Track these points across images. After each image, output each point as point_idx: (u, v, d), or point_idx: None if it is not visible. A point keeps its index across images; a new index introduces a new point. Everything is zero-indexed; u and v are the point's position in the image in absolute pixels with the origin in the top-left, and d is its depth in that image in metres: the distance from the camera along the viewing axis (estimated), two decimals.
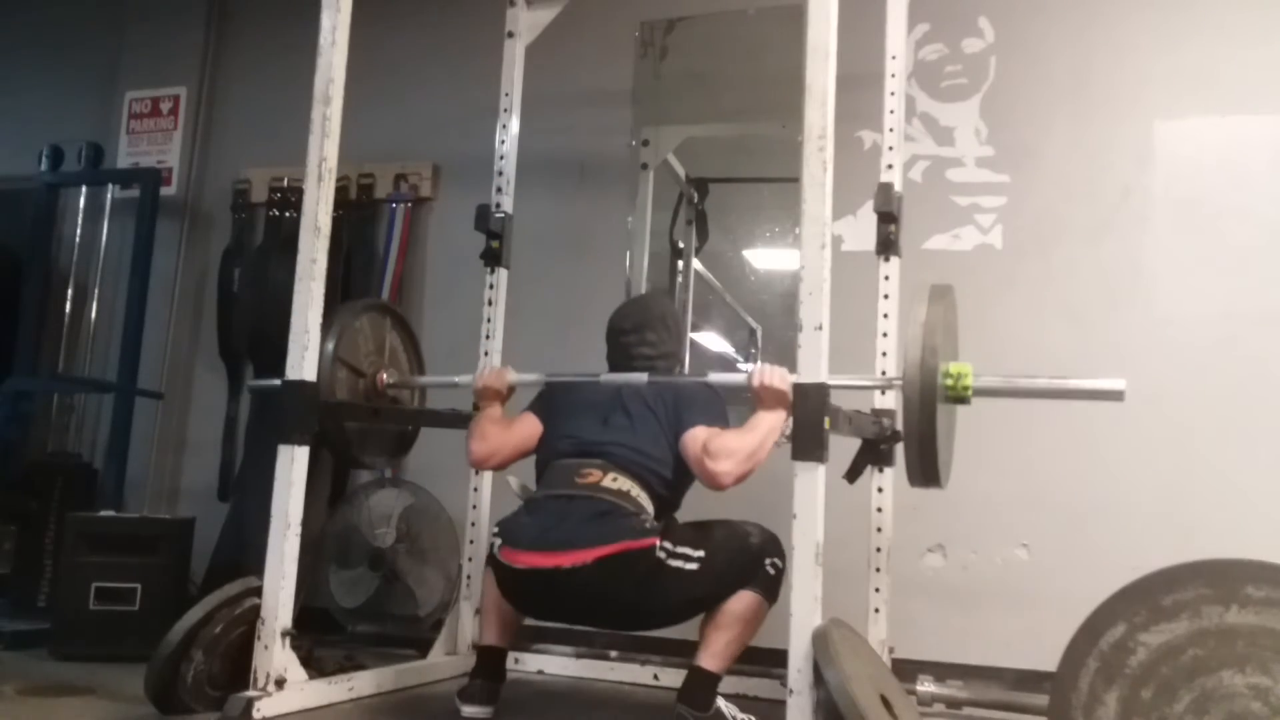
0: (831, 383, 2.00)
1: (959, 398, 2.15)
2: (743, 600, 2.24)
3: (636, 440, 2.38)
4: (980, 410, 3.03)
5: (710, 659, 2.25)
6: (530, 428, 2.55)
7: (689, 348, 3.47)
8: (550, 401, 2.59)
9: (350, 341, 2.71)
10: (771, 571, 2.27)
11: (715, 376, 2.49)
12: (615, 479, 2.33)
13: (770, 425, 2.24)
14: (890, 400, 2.69)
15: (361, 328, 2.80)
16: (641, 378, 2.46)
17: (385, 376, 2.83)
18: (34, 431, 4.13)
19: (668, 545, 2.23)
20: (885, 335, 2.71)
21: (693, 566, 2.23)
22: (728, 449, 2.23)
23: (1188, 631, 1.65)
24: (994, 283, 3.13)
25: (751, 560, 2.27)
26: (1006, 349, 3.05)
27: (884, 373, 2.71)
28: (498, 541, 2.33)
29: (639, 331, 2.59)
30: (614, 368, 2.59)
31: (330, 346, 2.57)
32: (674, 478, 2.40)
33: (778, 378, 2.23)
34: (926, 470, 2.14)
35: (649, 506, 2.33)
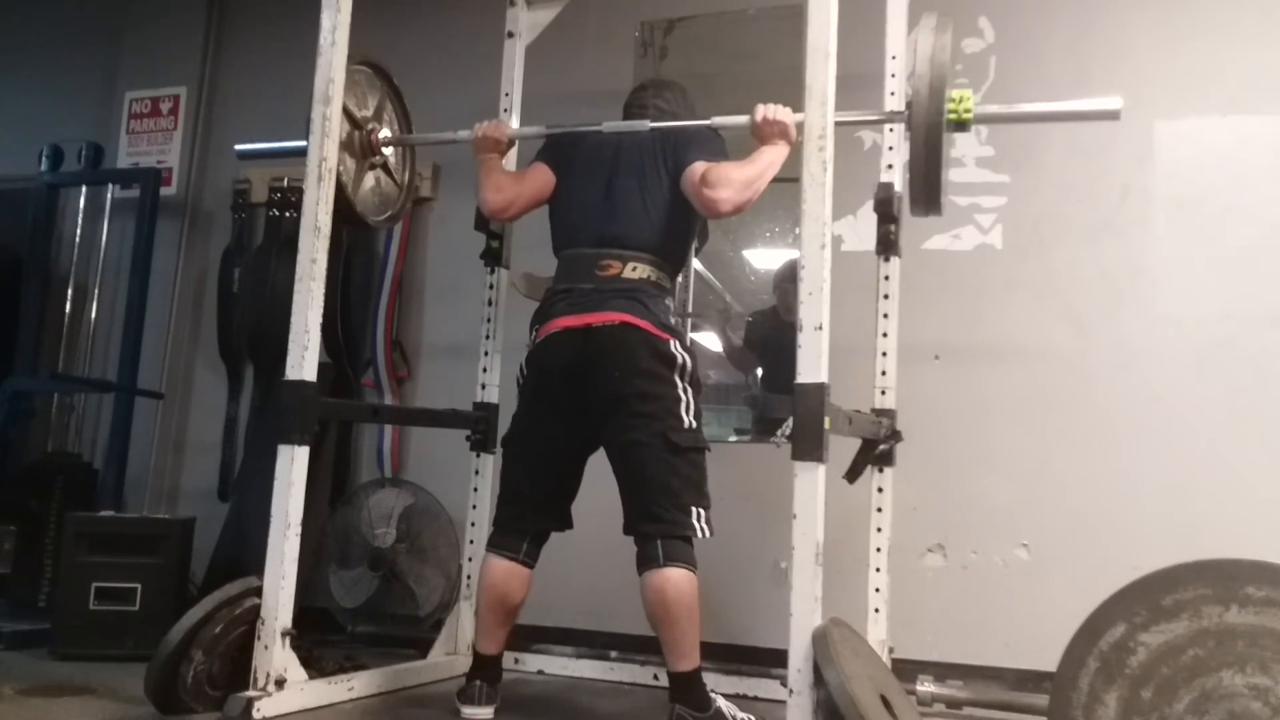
0: (837, 119, 2.07)
1: (961, 122, 2.22)
2: (670, 582, 2.21)
3: (645, 208, 2.46)
4: (981, 409, 3.05)
5: (679, 659, 2.24)
6: (543, 177, 2.61)
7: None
8: (558, 152, 2.63)
9: (350, 92, 2.68)
10: (696, 534, 2.27)
11: (719, 120, 2.51)
12: (635, 268, 2.43)
13: (770, 159, 2.35)
14: (891, 400, 2.70)
15: (359, 81, 2.78)
16: (644, 124, 2.52)
17: (382, 133, 2.83)
18: (34, 431, 4.13)
19: (686, 363, 2.35)
20: (885, 335, 2.71)
21: (686, 417, 2.31)
22: (726, 177, 2.32)
23: (1188, 631, 1.65)
24: (994, 283, 3.13)
25: (700, 490, 2.31)
26: (1007, 348, 3.06)
27: (884, 372, 2.71)
28: (533, 334, 2.47)
29: (656, 89, 2.71)
30: (626, 118, 2.64)
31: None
32: (681, 233, 2.50)
33: (782, 112, 2.34)
34: (930, 196, 2.23)
35: (668, 286, 2.48)
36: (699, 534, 2.28)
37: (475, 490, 3.08)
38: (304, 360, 2.43)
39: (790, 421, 2.04)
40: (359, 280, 3.83)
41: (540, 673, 3.05)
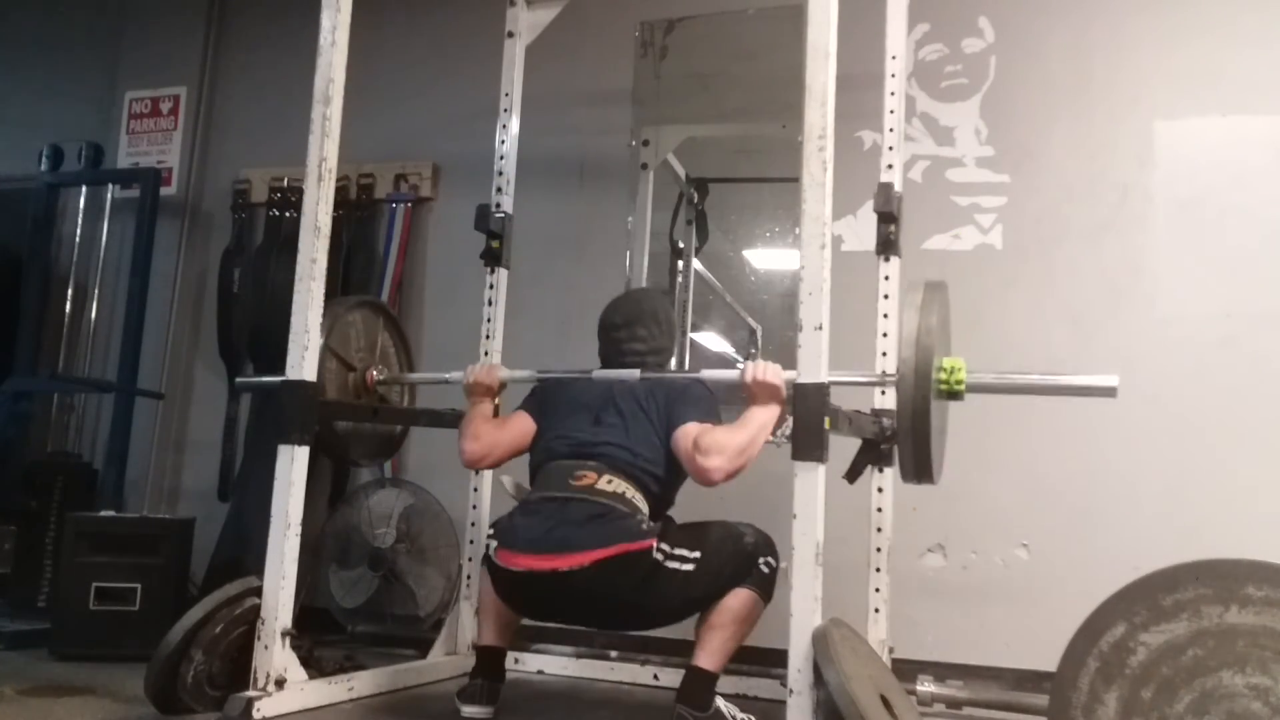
0: (829, 380, 2.00)
1: (952, 393, 2.16)
2: (738, 598, 2.24)
3: (629, 440, 2.38)
4: (981, 409, 3.04)
5: (707, 658, 2.24)
6: (523, 426, 2.54)
7: (689, 347, 3.48)
8: (543, 400, 2.59)
9: (342, 335, 2.72)
10: (766, 570, 2.27)
11: (708, 373, 2.48)
12: (610, 480, 2.32)
13: (762, 421, 2.25)
14: (890, 400, 2.69)
15: (354, 323, 2.80)
16: (634, 374, 2.46)
17: (375, 373, 2.84)
18: (34, 431, 4.13)
19: (665, 547, 2.22)
20: (885, 335, 2.71)
21: (689, 567, 2.23)
22: (719, 445, 2.22)
23: (1188, 631, 1.65)
24: (994, 283, 3.13)
25: (746, 559, 2.27)
26: (1006, 349, 3.05)
27: (884, 372, 2.71)
28: (493, 544, 2.33)
29: (630, 327, 2.58)
30: (606, 363, 2.58)
31: (321, 339, 2.55)
32: (667, 476, 2.39)
33: (771, 373, 2.24)
34: (920, 466, 2.16)
35: (644, 507, 2.33)
36: (765, 571, 2.28)
37: (475, 490, 3.08)
38: (304, 360, 2.43)
39: (790, 421, 2.04)
40: (359, 280, 3.83)
41: (540, 673, 3.05)
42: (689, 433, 2.29)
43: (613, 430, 2.40)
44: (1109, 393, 2.15)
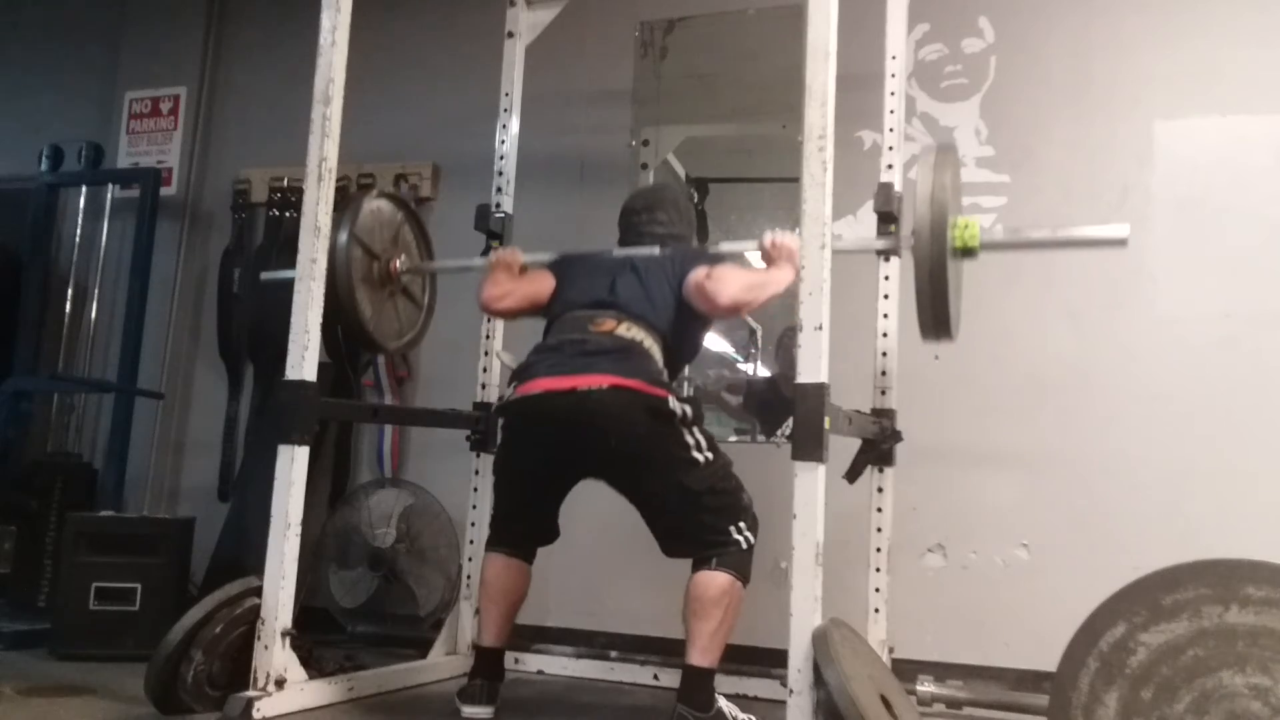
0: (836, 247, 2.05)
1: (967, 249, 2.21)
2: (717, 583, 2.23)
3: (646, 291, 2.43)
4: (980, 411, 3.05)
5: (700, 655, 2.24)
6: (544, 281, 2.59)
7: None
8: (563, 263, 2.63)
9: (366, 224, 2.73)
10: (744, 545, 2.28)
11: (727, 245, 2.55)
12: (629, 328, 2.37)
13: (775, 276, 2.35)
14: (891, 400, 2.70)
15: (378, 212, 2.82)
16: (653, 250, 2.53)
17: (399, 262, 2.85)
18: (34, 431, 4.13)
19: (686, 411, 2.25)
20: (885, 335, 2.71)
21: (700, 458, 2.27)
22: (730, 275, 2.32)
23: (1188, 631, 1.65)
24: (994, 283, 3.12)
25: (734, 509, 2.29)
26: (1007, 349, 3.06)
27: (884, 373, 2.71)
28: (510, 387, 2.36)
29: (650, 211, 2.65)
30: (625, 245, 2.63)
31: (346, 227, 2.60)
32: (681, 326, 2.44)
33: (789, 237, 2.36)
34: (938, 321, 2.22)
35: (659, 356, 2.37)
36: (744, 545, 2.28)
37: (475, 490, 3.08)
38: (304, 360, 2.43)
39: (790, 421, 2.05)
40: None
41: (540, 673, 3.05)
42: (700, 271, 2.37)
43: (630, 285, 2.45)
44: (1119, 243, 2.23)
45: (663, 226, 2.62)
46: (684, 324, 2.45)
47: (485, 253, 3.14)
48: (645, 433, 2.23)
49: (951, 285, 2.20)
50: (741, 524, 2.29)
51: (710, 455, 2.30)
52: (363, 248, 2.73)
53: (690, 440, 2.27)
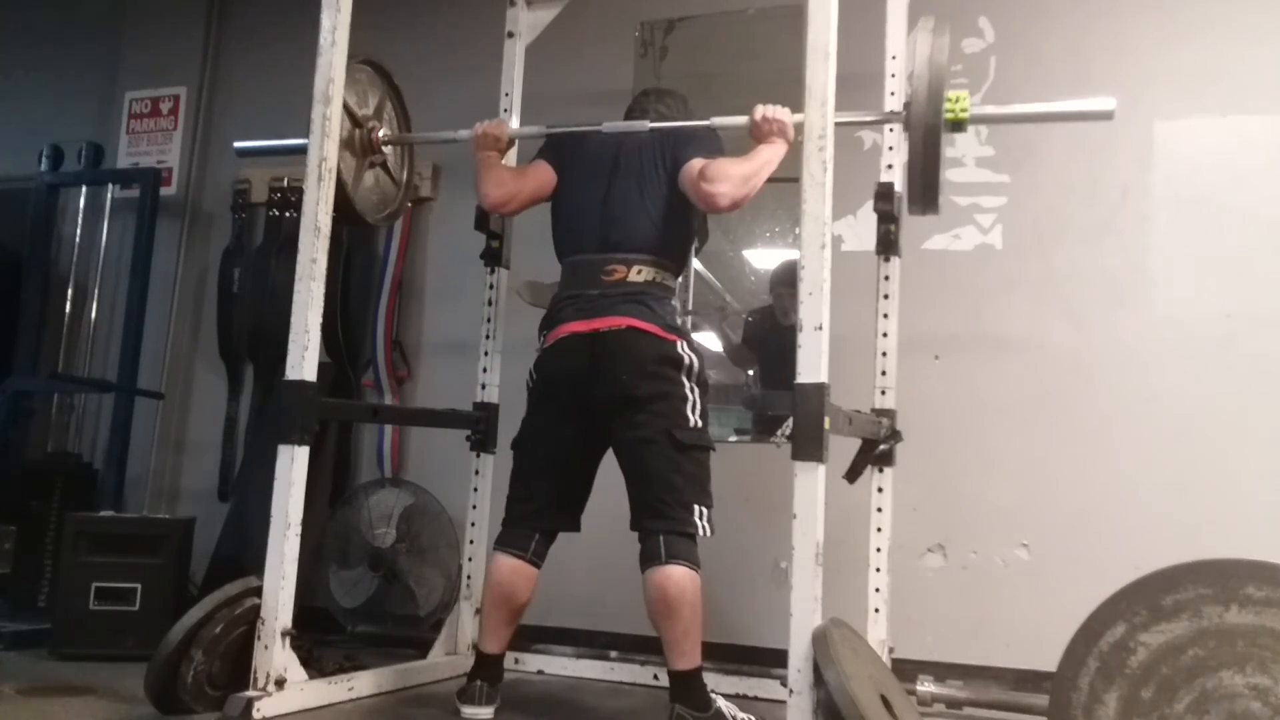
0: (836, 119, 2.08)
1: (957, 121, 2.26)
2: (673, 580, 2.22)
3: (644, 207, 2.48)
4: (980, 410, 3.05)
5: (679, 658, 2.25)
6: (544, 174, 2.63)
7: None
8: (559, 152, 2.66)
9: (349, 90, 2.69)
10: (699, 532, 2.29)
11: (718, 120, 2.54)
12: (639, 270, 2.45)
13: (768, 156, 2.39)
14: (891, 400, 2.70)
15: (360, 80, 2.80)
16: (644, 125, 2.54)
17: (382, 132, 2.84)
18: (34, 431, 4.13)
19: (693, 363, 2.37)
20: (885, 335, 2.71)
21: (692, 417, 2.35)
22: (724, 172, 2.35)
23: (1188, 631, 1.65)
24: (994, 283, 3.13)
25: (703, 488, 2.34)
26: (1007, 348, 3.06)
27: (884, 372, 2.71)
28: (541, 337, 2.50)
29: (658, 95, 2.74)
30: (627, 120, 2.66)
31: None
32: (682, 227, 2.52)
33: (781, 111, 2.39)
34: (926, 195, 2.27)
35: (672, 285, 2.51)
36: (701, 532, 2.30)
37: (475, 490, 3.08)
38: (304, 360, 2.43)
39: (790, 421, 2.04)
40: (359, 280, 3.83)
41: (540, 673, 3.06)
42: (695, 165, 2.40)
43: (629, 200, 2.49)
44: (1106, 116, 2.29)
45: (667, 109, 2.66)
46: (681, 219, 2.51)
47: (485, 253, 3.15)
48: (654, 371, 2.34)
49: (942, 157, 2.27)
50: (704, 509, 2.32)
51: (700, 423, 2.37)
52: (345, 111, 2.65)
53: (689, 396, 2.36)
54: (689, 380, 2.38)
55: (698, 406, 2.37)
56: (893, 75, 2.80)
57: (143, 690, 2.29)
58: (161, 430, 4.12)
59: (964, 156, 3.21)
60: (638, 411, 2.34)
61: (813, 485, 1.95)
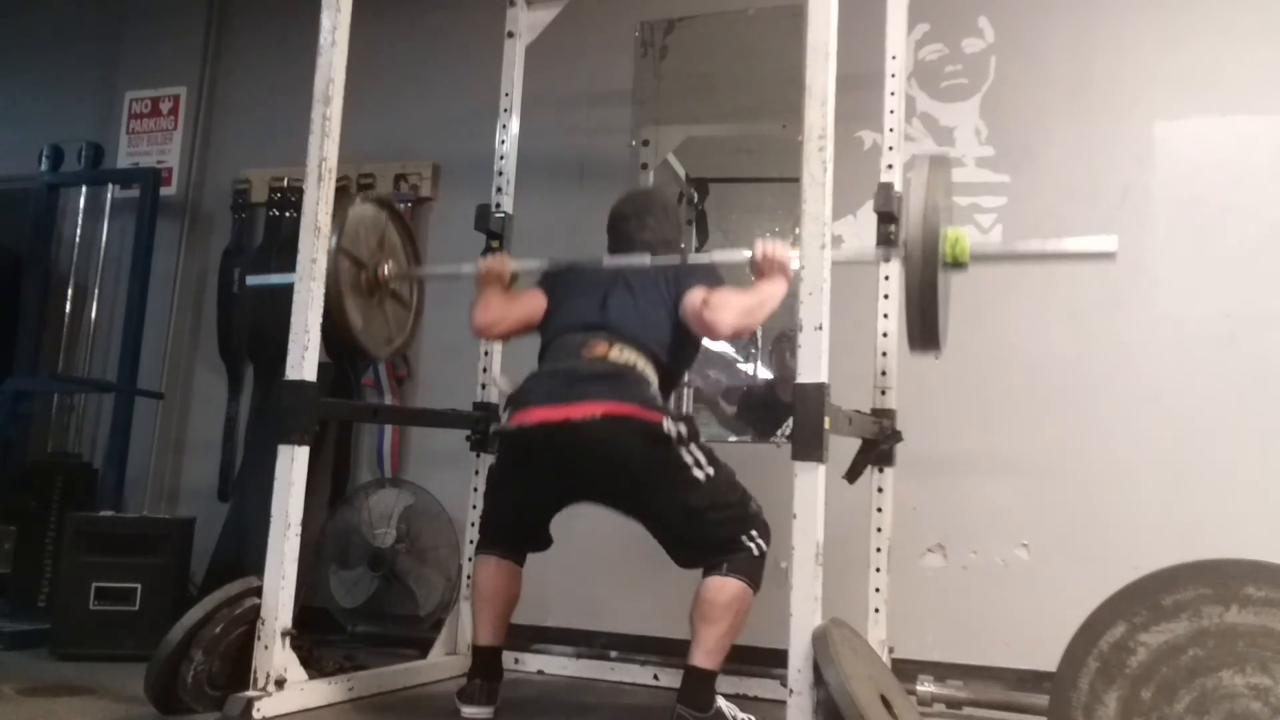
0: (835, 260, 2.05)
1: (957, 261, 2.19)
2: (728, 589, 2.22)
3: (639, 310, 2.43)
4: (980, 411, 3.05)
5: (704, 657, 2.24)
6: (535, 302, 2.59)
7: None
8: (555, 280, 2.62)
9: (352, 233, 2.72)
10: (755, 552, 2.27)
11: (720, 254, 2.55)
12: (621, 350, 2.35)
13: (770, 292, 2.35)
14: (891, 400, 2.70)
15: (363, 219, 2.80)
16: (644, 259, 2.50)
17: (387, 268, 2.84)
18: (34, 431, 4.13)
19: (682, 432, 2.24)
20: (885, 335, 2.71)
21: (700, 475, 2.25)
22: (727, 302, 2.32)
23: (1188, 631, 1.65)
24: (994, 283, 3.12)
25: (743, 519, 2.28)
26: (1007, 348, 3.06)
27: (884, 372, 2.71)
28: (506, 415, 2.34)
29: (639, 217, 2.64)
30: (614, 253, 2.61)
31: (334, 238, 2.57)
32: (676, 346, 2.45)
33: (780, 250, 2.35)
34: (926, 335, 2.18)
35: (653, 379, 2.37)
36: (755, 552, 2.27)
37: (475, 490, 3.08)
38: (304, 360, 2.43)
39: (790, 421, 2.04)
40: None
41: (540, 673, 3.05)
42: (697, 294, 2.37)
43: (622, 304, 2.44)
44: (1108, 257, 2.18)
45: (651, 232, 2.61)
46: (679, 342, 2.45)
47: (485, 253, 3.14)
48: (642, 458, 2.23)
49: (941, 298, 2.18)
50: (753, 532, 2.28)
51: (711, 471, 2.28)
52: (350, 258, 2.70)
53: (689, 459, 2.26)
54: (682, 446, 2.26)
55: (701, 460, 2.28)
56: (892, 75, 2.80)
57: (143, 690, 2.29)
58: (161, 430, 4.12)
59: (964, 156, 3.21)
60: (640, 495, 2.30)
61: (813, 485, 1.95)
